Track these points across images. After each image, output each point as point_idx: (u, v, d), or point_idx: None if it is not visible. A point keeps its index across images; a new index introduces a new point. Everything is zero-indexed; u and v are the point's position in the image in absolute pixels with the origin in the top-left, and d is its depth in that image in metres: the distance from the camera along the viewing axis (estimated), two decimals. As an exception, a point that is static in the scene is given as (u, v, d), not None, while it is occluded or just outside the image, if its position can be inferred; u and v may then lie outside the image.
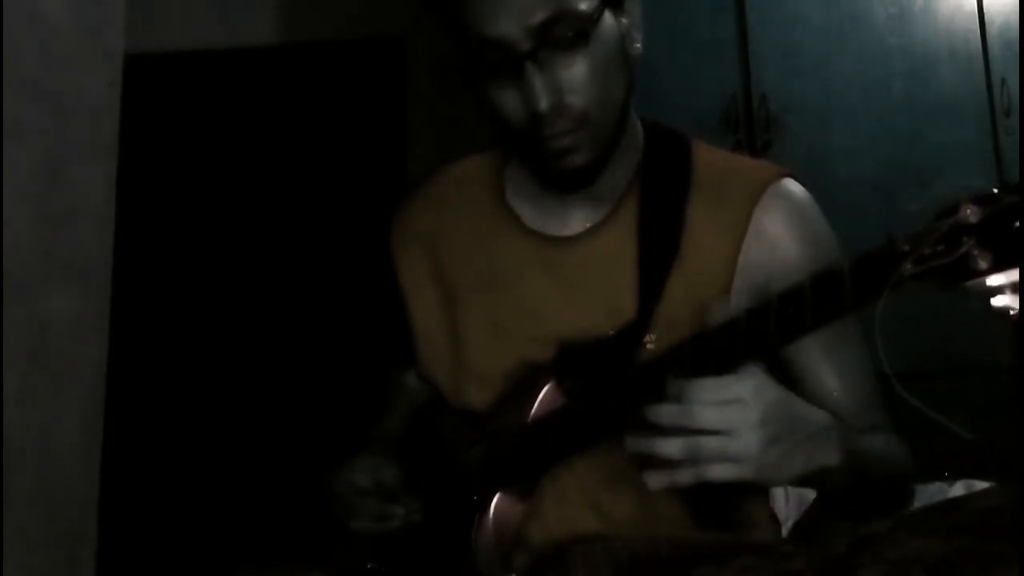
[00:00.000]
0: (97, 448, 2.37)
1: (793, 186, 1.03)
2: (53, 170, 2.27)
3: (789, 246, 0.98)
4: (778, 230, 0.99)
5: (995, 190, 0.68)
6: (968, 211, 0.68)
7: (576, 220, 1.03)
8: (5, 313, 2.03)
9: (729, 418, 0.76)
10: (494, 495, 0.97)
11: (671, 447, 0.77)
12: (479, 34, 0.90)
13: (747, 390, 0.76)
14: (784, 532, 1.12)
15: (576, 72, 0.91)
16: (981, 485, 1.53)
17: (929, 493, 1.58)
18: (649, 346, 0.95)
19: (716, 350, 0.82)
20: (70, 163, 2.34)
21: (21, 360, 2.09)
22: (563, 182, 0.98)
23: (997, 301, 0.97)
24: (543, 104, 0.89)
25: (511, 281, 1.04)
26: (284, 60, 3.35)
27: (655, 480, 0.79)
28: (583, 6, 0.89)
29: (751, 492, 1.04)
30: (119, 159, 2.55)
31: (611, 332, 0.97)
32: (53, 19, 2.32)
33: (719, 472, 0.76)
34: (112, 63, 2.56)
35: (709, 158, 1.05)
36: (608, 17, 0.93)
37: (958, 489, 1.62)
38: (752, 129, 2.48)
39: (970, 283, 0.70)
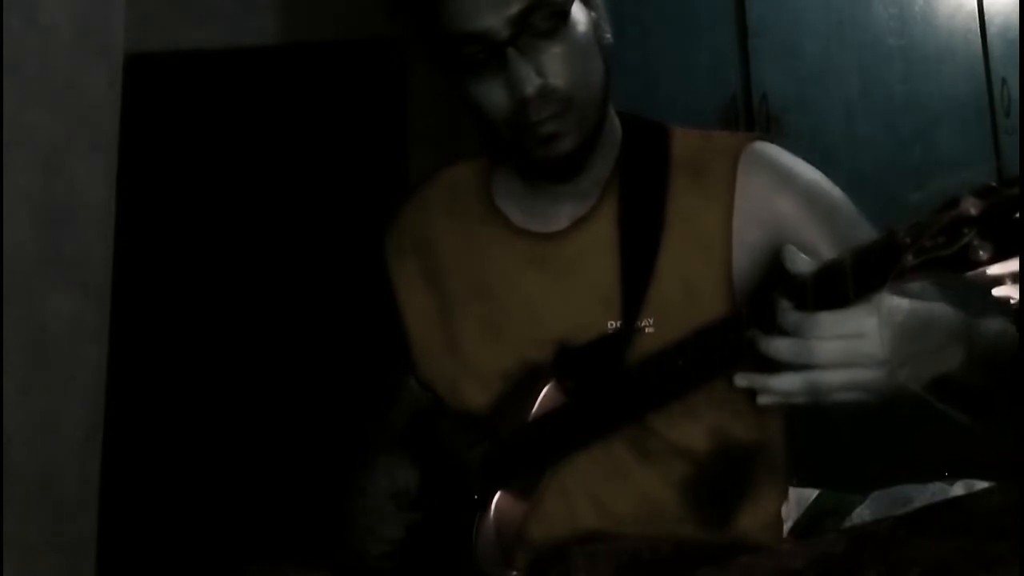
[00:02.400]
0: (97, 448, 2.37)
1: (766, 146, 1.04)
2: (53, 170, 2.27)
3: (782, 199, 0.99)
4: (767, 188, 0.99)
5: (993, 183, 0.68)
6: (969, 204, 0.68)
7: (562, 216, 1.04)
8: (5, 313, 2.03)
9: (851, 353, 0.74)
10: (495, 494, 0.97)
11: (790, 383, 0.75)
12: (458, 29, 0.91)
13: (869, 322, 0.74)
14: (784, 532, 1.12)
15: (557, 56, 0.92)
16: (981, 485, 1.53)
17: (929, 493, 1.59)
18: (648, 330, 0.95)
19: (709, 354, 0.82)
20: (70, 163, 2.35)
21: (22, 360, 2.09)
22: (550, 170, 0.98)
23: (998, 291, 0.97)
24: (528, 88, 0.90)
25: (504, 281, 1.05)
26: (284, 60, 3.35)
27: (768, 399, 0.76)
28: None
29: (758, 487, 1.04)
30: (119, 159, 2.56)
31: (611, 328, 0.97)
32: (53, 19, 2.32)
33: (844, 397, 0.75)
34: (112, 63, 2.56)
35: (685, 140, 1.06)
36: (578, 6, 0.95)
37: (958, 489, 1.62)
38: (752, 129, 2.48)
39: (971, 274, 0.70)
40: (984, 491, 0.80)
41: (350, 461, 1.08)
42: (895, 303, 0.75)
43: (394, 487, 1.03)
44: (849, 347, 0.74)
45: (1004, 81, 2.43)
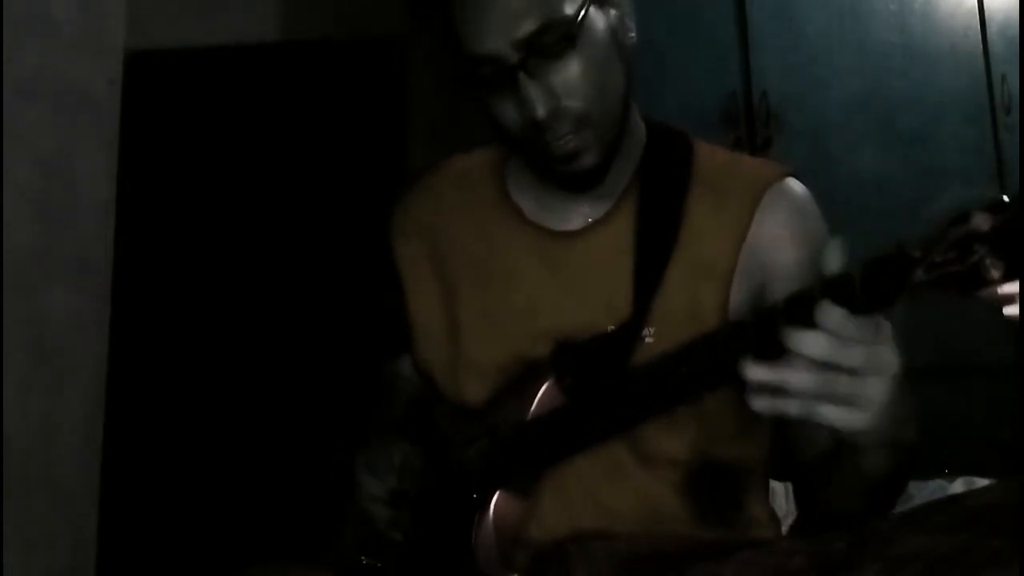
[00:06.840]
0: (97, 448, 2.37)
1: (795, 185, 1.03)
2: (54, 168, 2.27)
3: (788, 247, 0.98)
4: (779, 230, 0.99)
5: (1006, 198, 0.66)
6: (980, 219, 0.66)
7: (577, 215, 1.03)
8: (5, 312, 2.03)
9: (872, 360, 0.70)
10: (494, 493, 0.97)
11: (804, 381, 0.71)
12: (471, 52, 0.91)
13: (890, 336, 0.72)
14: (784, 530, 1.12)
15: (569, 75, 0.91)
16: (981, 482, 1.54)
17: (929, 490, 1.59)
18: (648, 340, 0.95)
19: (713, 356, 0.81)
20: (71, 161, 2.35)
21: (21, 358, 2.09)
22: (573, 184, 0.98)
23: (1009, 310, 0.96)
24: (540, 112, 0.90)
25: (510, 274, 1.04)
26: (284, 59, 3.35)
27: (762, 404, 0.72)
28: (567, 11, 0.90)
29: (754, 487, 1.04)
30: (119, 157, 2.56)
31: (611, 328, 0.96)
32: (53, 18, 2.32)
33: (832, 415, 0.71)
34: (112, 60, 2.56)
35: (710, 156, 1.05)
36: (595, 13, 0.93)
37: (958, 486, 1.62)
38: (752, 126, 2.47)
39: (982, 292, 0.68)
40: (984, 488, 0.80)
41: (349, 453, 1.07)
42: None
43: (392, 463, 1.00)
44: (872, 354, 0.71)
45: (1004, 78, 2.43)
